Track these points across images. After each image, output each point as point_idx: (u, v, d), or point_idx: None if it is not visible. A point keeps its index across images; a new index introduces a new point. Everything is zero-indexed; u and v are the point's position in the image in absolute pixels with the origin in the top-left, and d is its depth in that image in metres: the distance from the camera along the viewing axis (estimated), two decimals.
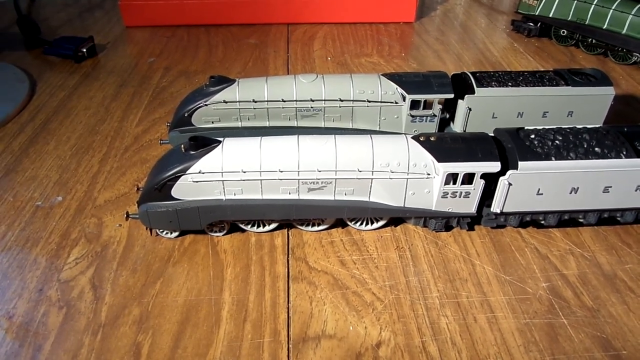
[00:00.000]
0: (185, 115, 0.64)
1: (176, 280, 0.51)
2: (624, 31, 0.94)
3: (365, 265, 0.53)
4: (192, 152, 0.51)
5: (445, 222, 0.55)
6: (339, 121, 0.66)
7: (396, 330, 0.46)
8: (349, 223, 0.57)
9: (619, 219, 0.56)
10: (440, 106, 0.65)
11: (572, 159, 0.51)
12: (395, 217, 0.57)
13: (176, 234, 0.56)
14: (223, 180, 0.51)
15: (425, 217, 0.55)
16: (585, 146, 0.52)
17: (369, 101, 0.64)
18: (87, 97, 0.86)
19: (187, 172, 0.51)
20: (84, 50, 0.99)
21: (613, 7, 0.95)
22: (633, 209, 0.55)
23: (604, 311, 0.48)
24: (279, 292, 0.50)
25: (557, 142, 0.52)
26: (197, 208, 0.52)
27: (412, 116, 0.65)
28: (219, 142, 0.52)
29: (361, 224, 0.57)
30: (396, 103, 0.64)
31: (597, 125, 0.55)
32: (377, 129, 0.66)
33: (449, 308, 0.48)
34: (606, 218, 0.56)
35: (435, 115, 0.65)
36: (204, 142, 0.51)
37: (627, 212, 0.55)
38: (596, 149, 0.52)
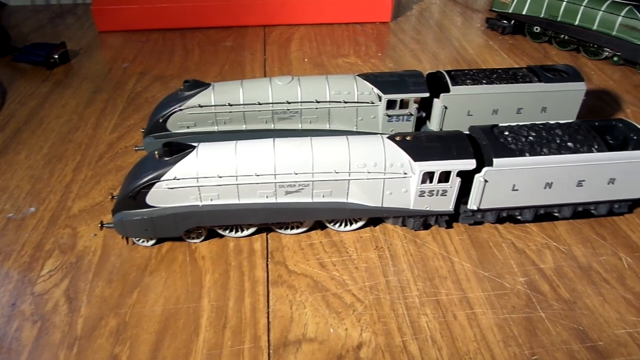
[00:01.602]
0: (160, 120, 0.63)
1: (154, 289, 0.50)
2: (594, 27, 0.96)
3: (345, 267, 0.53)
4: (167, 158, 0.50)
5: (424, 220, 0.56)
6: (315, 122, 0.65)
7: (377, 331, 0.46)
8: (327, 225, 0.57)
9: (593, 211, 0.57)
10: (417, 105, 0.65)
11: (545, 154, 0.52)
12: (374, 217, 0.57)
13: (153, 241, 0.55)
14: (199, 186, 0.50)
15: (403, 217, 0.55)
16: (558, 141, 0.53)
17: (345, 102, 0.64)
18: (60, 104, 0.85)
19: (162, 178, 0.50)
20: (56, 56, 0.97)
21: (584, 4, 0.97)
22: (606, 202, 0.56)
23: (580, 303, 0.49)
24: (259, 297, 0.49)
25: (530, 138, 0.53)
26: (173, 215, 0.51)
27: (389, 116, 0.65)
28: (194, 147, 0.51)
29: (340, 225, 0.57)
30: (372, 103, 0.64)
31: (569, 121, 0.56)
32: (355, 130, 0.66)
33: (428, 306, 0.48)
34: (581, 211, 0.57)
35: (412, 115, 0.66)
36: (178, 148, 0.51)
37: (600, 205, 0.56)
38: (569, 144, 0.53)
